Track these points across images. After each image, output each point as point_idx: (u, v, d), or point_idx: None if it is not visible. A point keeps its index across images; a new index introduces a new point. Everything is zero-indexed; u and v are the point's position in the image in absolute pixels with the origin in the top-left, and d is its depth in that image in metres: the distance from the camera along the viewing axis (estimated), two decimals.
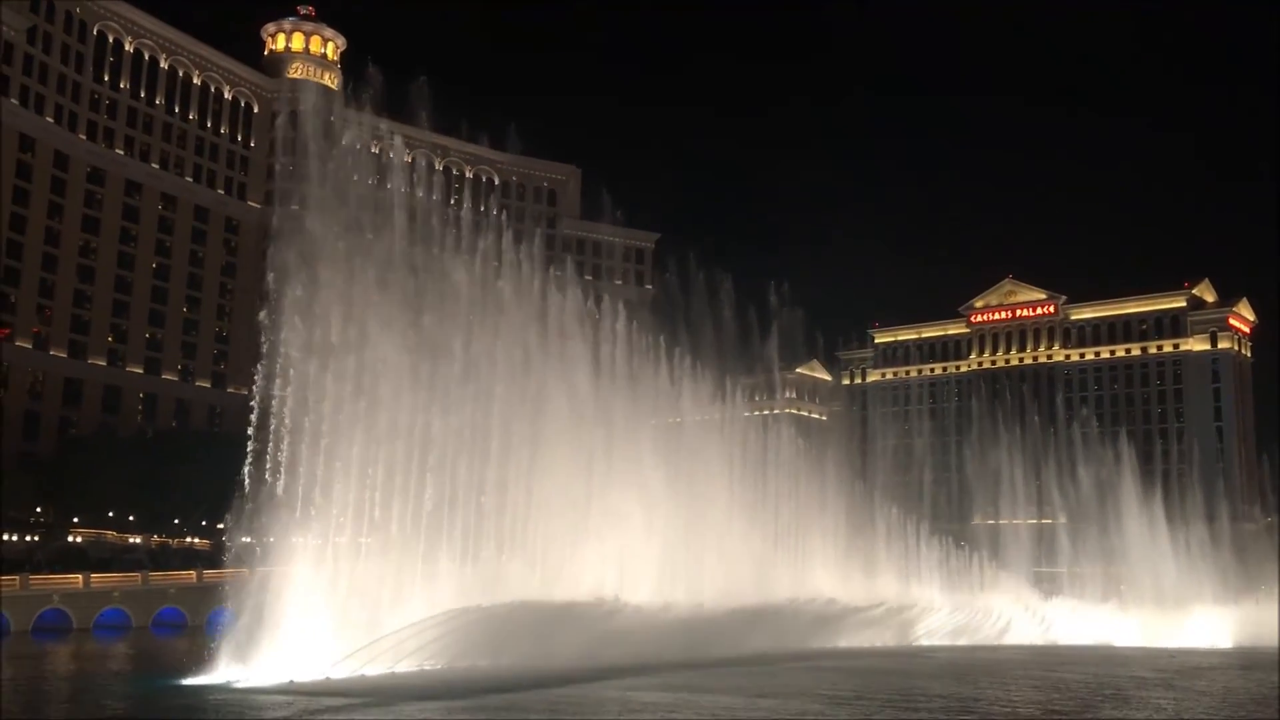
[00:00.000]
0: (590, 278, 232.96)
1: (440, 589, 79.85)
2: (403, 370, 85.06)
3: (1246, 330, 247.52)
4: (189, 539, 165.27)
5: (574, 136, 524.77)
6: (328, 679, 63.81)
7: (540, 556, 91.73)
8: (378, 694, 57.56)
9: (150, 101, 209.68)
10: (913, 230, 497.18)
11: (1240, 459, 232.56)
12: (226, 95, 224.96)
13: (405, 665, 69.24)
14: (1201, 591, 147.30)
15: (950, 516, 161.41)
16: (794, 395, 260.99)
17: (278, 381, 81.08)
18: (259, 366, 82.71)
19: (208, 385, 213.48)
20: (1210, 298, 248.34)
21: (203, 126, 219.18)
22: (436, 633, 72.32)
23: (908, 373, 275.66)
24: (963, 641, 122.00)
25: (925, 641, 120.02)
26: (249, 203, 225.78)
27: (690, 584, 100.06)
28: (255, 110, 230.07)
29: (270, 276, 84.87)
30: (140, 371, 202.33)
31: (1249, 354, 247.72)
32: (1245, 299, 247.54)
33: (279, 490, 75.59)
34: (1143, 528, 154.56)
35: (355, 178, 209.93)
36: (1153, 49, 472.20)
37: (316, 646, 66.98)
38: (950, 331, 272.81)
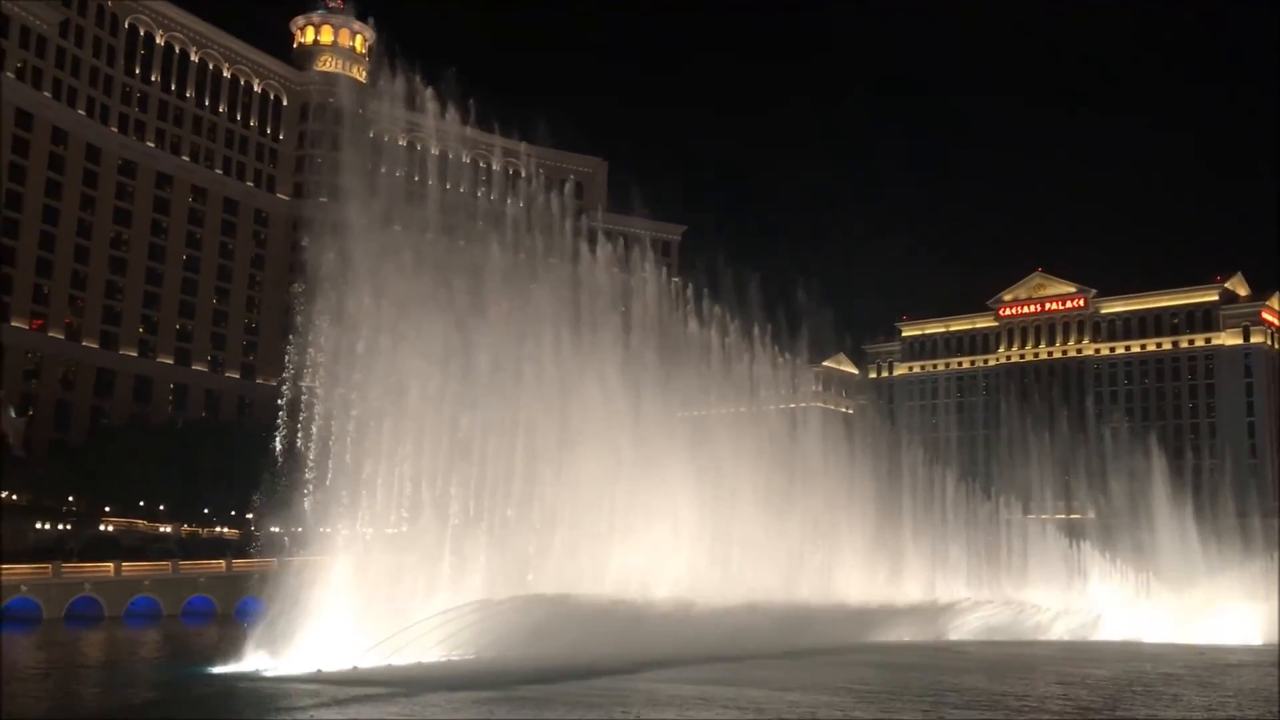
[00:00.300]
0: (617, 270, 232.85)
1: (470, 580, 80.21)
2: (435, 363, 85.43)
3: (1279, 324, 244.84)
4: (218, 528, 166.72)
5: (580, 135, 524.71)
6: (355, 669, 64.20)
7: (570, 549, 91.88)
8: (405, 684, 57.90)
9: (181, 94, 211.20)
10: (941, 224, 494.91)
11: (1273, 454, 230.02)
12: (256, 88, 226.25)
13: (433, 655, 69.55)
14: (1232, 588, 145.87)
15: (978, 511, 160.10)
16: (821, 389, 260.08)
17: (308, 373, 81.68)
18: (289, 359, 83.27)
19: (237, 376, 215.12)
20: (1243, 291, 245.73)
21: (232, 119, 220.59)
22: (464, 623, 72.58)
23: (935, 366, 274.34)
24: (998, 638, 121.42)
25: (954, 636, 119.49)
26: (278, 195, 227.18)
27: (719, 579, 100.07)
28: (284, 103, 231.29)
29: (304, 270, 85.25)
30: (170, 362, 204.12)
31: None
32: (1278, 293, 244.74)
33: (308, 481, 76.14)
34: (1173, 524, 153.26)
35: (384, 170, 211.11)
36: (1167, 44, 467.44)
37: (345, 636, 67.40)
38: (978, 325, 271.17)
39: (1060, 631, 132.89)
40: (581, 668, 67.45)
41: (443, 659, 69.99)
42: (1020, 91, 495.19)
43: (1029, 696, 62.92)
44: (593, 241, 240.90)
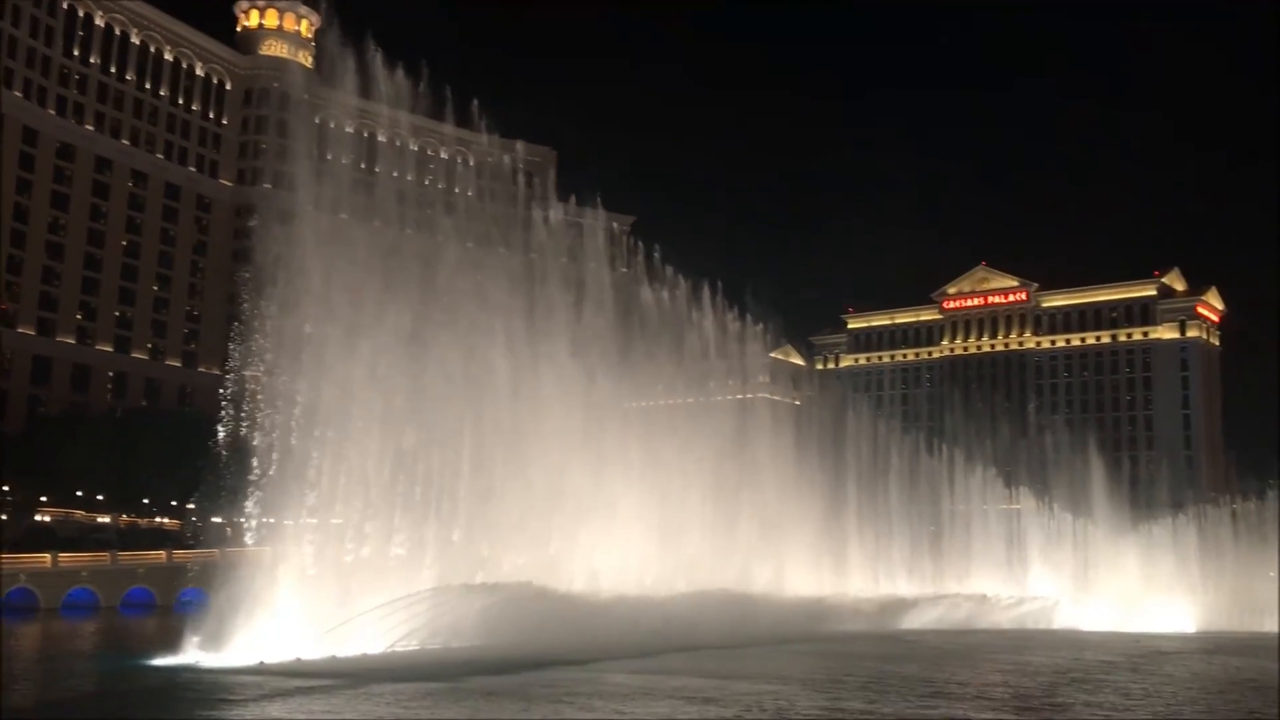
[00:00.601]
0: (565, 260, 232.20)
1: (418, 572, 79.83)
2: (383, 354, 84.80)
3: (1215, 319, 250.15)
4: (159, 519, 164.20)
5: (537, 121, 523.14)
6: (299, 660, 63.59)
7: (521, 541, 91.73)
8: (349, 675, 57.41)
9: (121, 77, 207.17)
10: (888, 217, 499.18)
11: (1207, 446, 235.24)
12: (199, 72, 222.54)
13: (379, 646, 69.11)
14: (1167, 577, 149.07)
15: (922, 502, 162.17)
16: (767, 380, 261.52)
17: (253, 362, 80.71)
18: (233, 347, 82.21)
19: (178, 364, 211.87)
20: (1180, 286, 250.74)
21: (174, 103, 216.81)
22: (410, 613, 72.23)
23: (880, 358, 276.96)
24: (941, 626, 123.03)
25: (904, 625, 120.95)
26: (221, 181, 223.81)
27: (670, 570, 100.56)
28: (228, 88, 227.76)
29: (249, 257, 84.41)
30: (110, 350, 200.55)
31: (1217, 342, 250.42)
32: (1214, 288, 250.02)
33: (252, 471, 75.25)
34: (1110, 515, 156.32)
35: (331, 156, 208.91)
36: (1126, 38, 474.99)
37: (289, 628, 66.73)
38: (923, 318, 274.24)
39: (1012, 620, 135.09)
40: (531, 658, 67.38)
41: (389, 650, 69.59)
42: (965, 86, 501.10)
43: (970, 684, 63.87)
44: (540, 230, 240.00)
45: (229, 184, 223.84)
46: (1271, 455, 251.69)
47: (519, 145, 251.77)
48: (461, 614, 75.45)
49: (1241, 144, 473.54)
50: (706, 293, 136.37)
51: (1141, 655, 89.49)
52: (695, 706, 49.45)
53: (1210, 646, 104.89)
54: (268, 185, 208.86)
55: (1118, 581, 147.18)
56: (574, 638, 79.86)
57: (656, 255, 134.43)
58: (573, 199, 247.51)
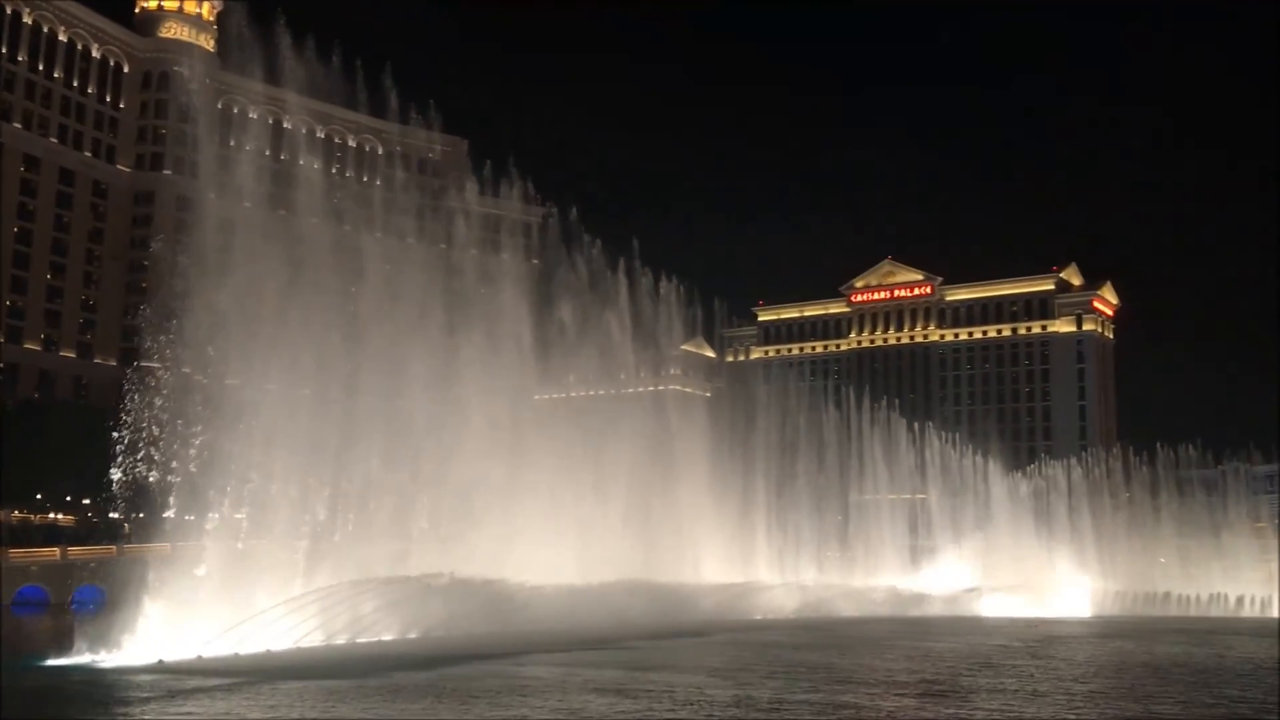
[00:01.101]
0: (476, 251, 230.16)
1: (323, 566, 78.71)
2: (287, 345, 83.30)
3: (1110, 313, 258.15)
4: (52, 514, 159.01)
5: (449, 111, 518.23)
6: (199, 658, 62.14)
7: (432, 533, 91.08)
8: (251, 673, 56.18)
9: (13, 58, 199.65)
10: (799, 210, 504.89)
11: (1101, 437, 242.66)
12: (95, 54, 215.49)
13: (284, 643, 67.87)
14: (1063, 564, 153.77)
15: (830, 493, 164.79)
16: (679, 372, 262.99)
17: (153, 353, 78.76)
18: (140, 339, 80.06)
19: (73, 355, 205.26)
20: (1077, 281, 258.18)
21: (69, 86, 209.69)
22: (313, 609, 71.16)
23: (790, 351, 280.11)
24: (847, 614, 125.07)
25: (811, 615, 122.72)
26: (119, 166, 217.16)
27: (581, 560, 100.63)
28: (126, 70, 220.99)
29: (148, 245, 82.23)
30: (0, 340, 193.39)
31: (1112, 336, 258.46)
32: (1109, 283, 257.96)
33: (151, 465, 73.44)
34: (1008, 503, 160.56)
35: (233, 143, 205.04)
36: (1029, 38, 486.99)
37: (190, 625, 65.21)
38: (831, 311, 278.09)
39: (933, 609, 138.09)
40: (446, 652, 66.86)
41: (294, 646, 68.39)
42: (874, 83, 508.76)
43: (878, 669, 65.04)
44: (452, 221, 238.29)
45: (127, 170, 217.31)
46: (1161, 445, 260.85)
47: (430, 134, 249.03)
48: (372, 608, 74.59)
49: (1137, 143, 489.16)
50: (619, 284, 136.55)
51: (1039, 640, 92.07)
52: (606, 699, 49.50)
53: (1105, 631, 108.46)
54: (168, 172, 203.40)
55: (1017, 568, 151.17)
56: (493, 629, 79.72)
57: (571, 247, 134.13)
58: (487, 189, 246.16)
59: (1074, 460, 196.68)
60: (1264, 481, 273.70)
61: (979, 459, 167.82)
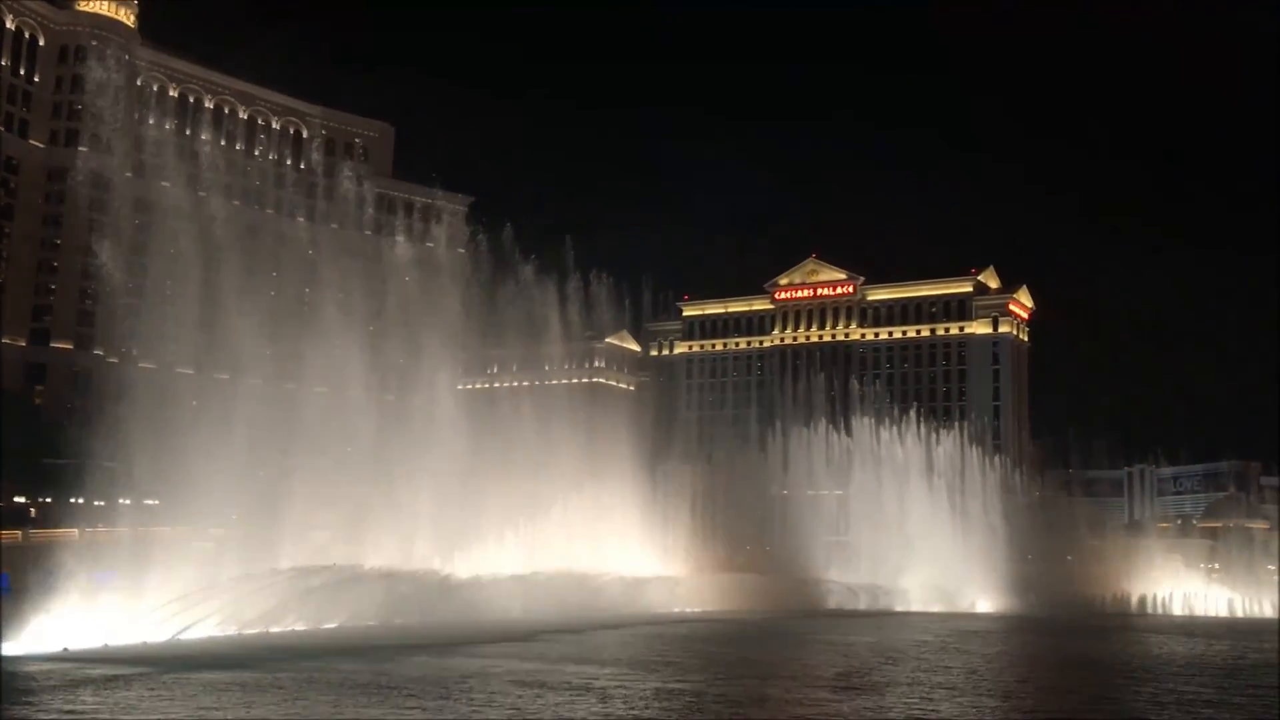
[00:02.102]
0: (401, 239, 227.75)
1: (238, 555, 77.49)
2: (198, 329, 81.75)
3: (1025, 316, 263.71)
4: None
5: (385, 95, 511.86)
6: (105, 646, 60.70)
7: (345, 522, 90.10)
8: (154, 662, 54.95)
9: None
10: (726, 207, 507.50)
11: (1015, 437, 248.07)
12: (9, 25, 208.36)
13: (193, 633, 66.59)
14: (975, 560, 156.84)
15: (750, 487, 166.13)
16: (603, 365, 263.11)
17: (61, 333, 76.67)
18: (48, 318, 77.86)
19: None
20: (994, 284, 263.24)
21: None
22: (225, 599, 70.09)
23: (714, 346, 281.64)
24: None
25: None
26: (32, 142, 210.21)
27: (499, 551, 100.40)
28: (41, 43, 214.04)
29: (62, 224, 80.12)
30: None
31: (1026, 338, 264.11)
32: (1025, 286, 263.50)
33: (58, 448, 71.55)
34: (924, 500, 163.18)
35: (153, 121, 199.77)
36: (943, 54, 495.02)
37: (96, 613, 63.70)
38: (756, 307, 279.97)
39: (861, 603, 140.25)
40: (360, 644, 66.15)
41: (205, 636, 67.15)
42: (799, 83, 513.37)
43: (795, 661, 65.85)
44: (376, 208, 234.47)
45: (40, 145, 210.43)
46: (1071, 446, 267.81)
47: (356, 119, 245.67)
48: (285, 598, 73.57)
49: (1052, 153, 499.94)
50: (545, 276, 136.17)
51: (951, 635, 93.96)
52: (532, 690, 49.37)
53: (1013, 626, 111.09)
54: (83, 148, 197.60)
55: (928, 564, 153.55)
56: (409, 619, 79.20)
57: (497, 236, 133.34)
58: (416, 175, 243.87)
59: (988, 460, 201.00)
60: (1170, 483, 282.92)
61: (896, 456, 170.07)
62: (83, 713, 41.20)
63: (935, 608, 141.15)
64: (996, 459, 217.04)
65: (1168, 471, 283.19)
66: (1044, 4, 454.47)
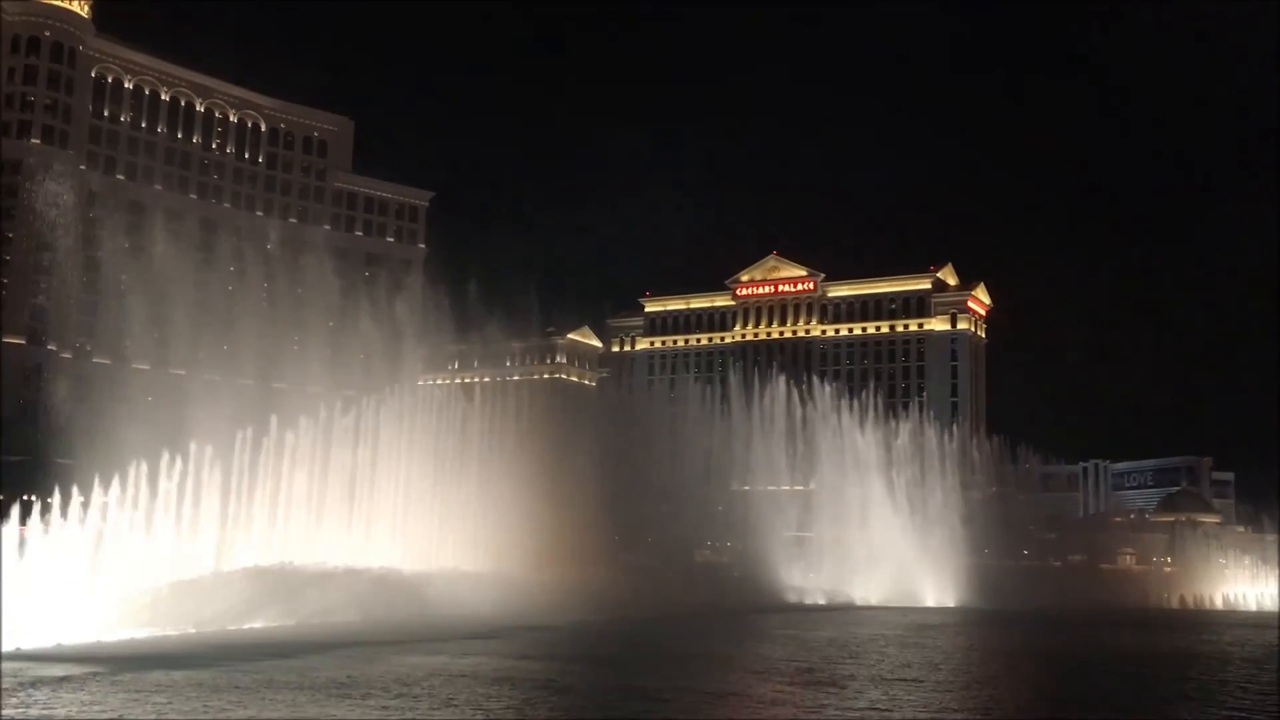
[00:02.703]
0: (361, 234, 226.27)
1: (195, 553, 76.79)
2: (159, 323, 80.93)
3: (983, 313, 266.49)
4: None
5: (348, 89, 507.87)
6: (59, 645, 59.85)
7: (278, 521, 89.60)
8: (108, 661, 54.07)
9: None
10: (688, 203, 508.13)
11: (973, 432, 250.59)
12: None
13: (147, 632, 65.88)
14: (933, 554, 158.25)
15: (713, 483, 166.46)
16: (565, 361, 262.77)
17: (15, 331, 75.59)
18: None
19: None
20: (953, 281, 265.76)
21: None
22: (182, 597, 69.55)
23: (675, 342, 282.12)
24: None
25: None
26: None
27: (440, 550, 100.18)
28: None
29: (13, 217, 78.95)
30: None
31: (984, 335, 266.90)
32: (983, 283, 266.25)
33: (12, 447, 70.49)
34: (883, 495, 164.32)
35: (107, 113, 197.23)
36: (905, 44, 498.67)
37: (50, 611, 62.80)
38: (717, 303, 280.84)
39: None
40: (316, 642, 65.64)
41: (159, 634, 66.39)
42: (784, 74, 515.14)
43: (760, 658, 66.10)
44: (335, 203, 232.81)
45: None
46: (1027, 441, 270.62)
47: (314, 113, 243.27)
48: (244, 596, 73.11)
49: (1007, 150, 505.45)
50: (506, 271, 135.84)
51: (908, 629, 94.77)
52: (488, 688, 49.26)
53: (972, 620, 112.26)
54: (36, 141, 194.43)
55: (888, 559, 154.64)
56: (377, 617, 78.89)
57: (458, 231, 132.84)
58: (374, 170, 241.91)
59: (946, 455, 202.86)
60: (1123, 478, 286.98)
61: (855, 451, 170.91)
62: (37, 715, 40.57)
63: (890, 602, 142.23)
64: (955, 454, 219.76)
65: (1121, 466, 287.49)
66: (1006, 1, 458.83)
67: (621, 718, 43.31)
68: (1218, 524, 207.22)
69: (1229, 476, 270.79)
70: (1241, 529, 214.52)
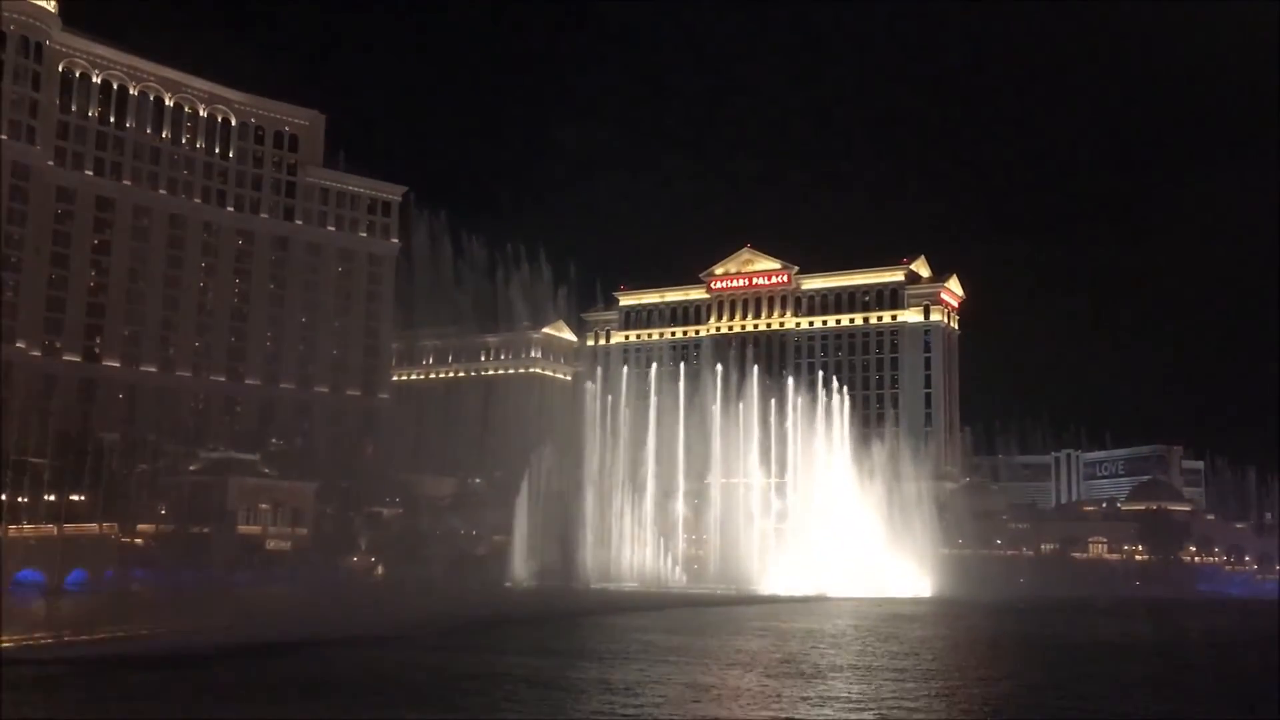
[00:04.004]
0: (334, 229, 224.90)
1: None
2: (128, 321, 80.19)
3: (955, 305, 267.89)
4: None
5: (323, 84, 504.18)
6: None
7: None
8: None
9: None
10: (662, 196, 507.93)
11: (945, 423, 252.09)
12: None
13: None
14: (907, 544, 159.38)
15: (688, 476, 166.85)
16: (540, 355, 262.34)
17: None
18: None
19: None
20: (925, 273, 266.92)
21: None
22: None
23: (650, 335, 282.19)
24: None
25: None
26: None
27: None
28: None
29: None
30: None
31: (956, 326, 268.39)
32: (955, 275, 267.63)
33: None
34: (857, 486, 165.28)
35: (75, 107, 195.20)
36: (874, 38, 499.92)
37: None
38: (692, 296, 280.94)
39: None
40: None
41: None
42: (734, 75, 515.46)
43: (743, 651, 66.39)
44: (306, 198, 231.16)
45: None
46: (1000, 432, 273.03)
47: (285, 107, 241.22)
48: None
49: (977, 142, 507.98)
50: (480, 266, 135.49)
51: (884, 619, 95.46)
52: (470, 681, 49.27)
53: (949, 611, 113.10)
54: (3, 136, 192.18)
55: (863, 549, 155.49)
56: None
57: (431, 225, 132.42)
58: (348, 165, 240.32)
59: (920, 446, 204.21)
60: (1095, 467, 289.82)
61: (829, 443, 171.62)
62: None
63: (867, 593, 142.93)
64: (926, 444, 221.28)
65: (1093, 456, 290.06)
66: None
67: None
68: (1188, 512, 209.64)
69: (1199, 465, 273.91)
70: (1211, 517, 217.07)
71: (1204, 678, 57.52)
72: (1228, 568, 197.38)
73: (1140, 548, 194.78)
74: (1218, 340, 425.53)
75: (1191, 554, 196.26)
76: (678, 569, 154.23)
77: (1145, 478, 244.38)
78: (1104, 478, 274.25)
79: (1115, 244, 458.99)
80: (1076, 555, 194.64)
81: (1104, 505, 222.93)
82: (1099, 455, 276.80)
